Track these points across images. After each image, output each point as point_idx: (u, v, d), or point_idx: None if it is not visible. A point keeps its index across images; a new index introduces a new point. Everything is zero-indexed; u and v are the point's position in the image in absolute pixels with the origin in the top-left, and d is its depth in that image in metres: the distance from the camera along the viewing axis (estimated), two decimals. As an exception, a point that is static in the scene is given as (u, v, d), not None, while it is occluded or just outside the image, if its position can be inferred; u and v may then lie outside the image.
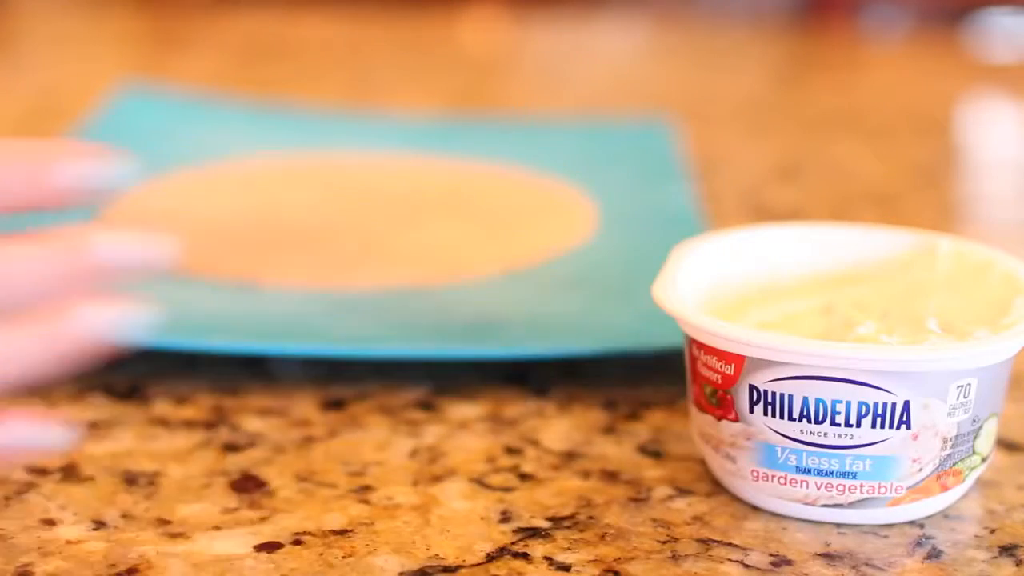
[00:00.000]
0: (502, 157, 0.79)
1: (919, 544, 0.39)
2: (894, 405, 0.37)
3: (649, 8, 1.58)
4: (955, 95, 1.07)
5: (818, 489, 0.39)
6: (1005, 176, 0.86)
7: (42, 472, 0.43)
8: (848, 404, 0.38)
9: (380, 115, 0.90)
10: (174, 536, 0.39)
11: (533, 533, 0.40)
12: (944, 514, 0.40)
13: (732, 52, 1.26)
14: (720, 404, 0.40)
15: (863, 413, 0.38)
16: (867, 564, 0.38)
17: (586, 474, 0.43)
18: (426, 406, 0.49)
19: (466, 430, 0.47)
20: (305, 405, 0.48)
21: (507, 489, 0.42)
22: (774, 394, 0.38)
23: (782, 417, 0.38)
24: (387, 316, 0.55)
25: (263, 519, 0.40)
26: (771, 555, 0.38)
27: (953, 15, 1.40)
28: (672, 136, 0.82)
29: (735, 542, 0.39)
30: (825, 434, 0.38)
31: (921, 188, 0.80)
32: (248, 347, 0.50)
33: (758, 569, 0.38)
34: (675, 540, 0.39)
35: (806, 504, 0.39)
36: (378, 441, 0.46)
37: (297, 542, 0.39)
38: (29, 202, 0.40)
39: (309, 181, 0.74)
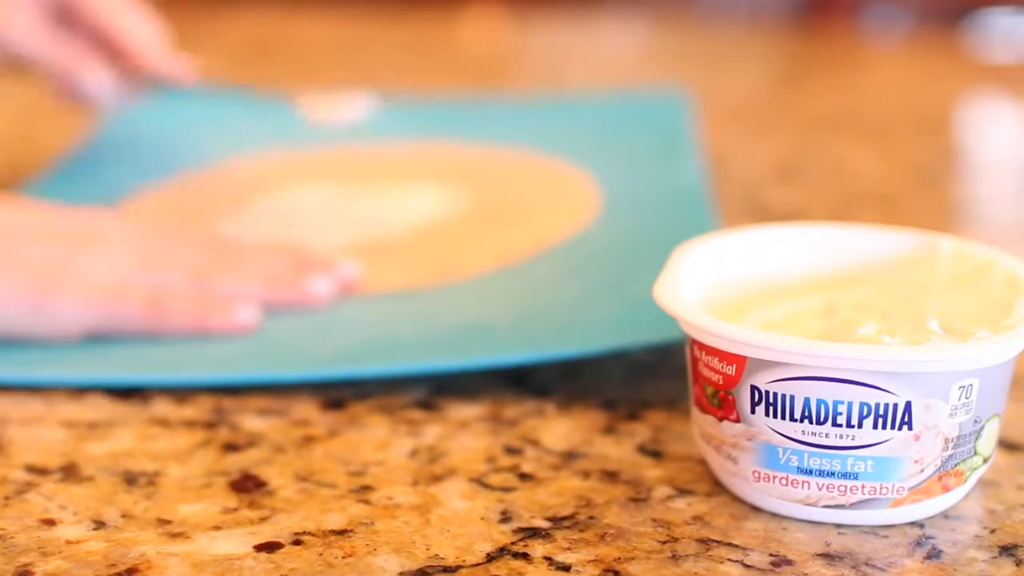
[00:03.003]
0: (509, 139, 0.79)
1: (919, 544, 0.39)
2: (895, 406, 0.37)
3: (649, 8, 1.58)
4: (955, 95, 1.08)
5: (819, 490, 0.39)
6: (1005, 176, 0.86)
7: (42, 472, 0.43)
8: (850, 405, 0.38)
9: (387, 102, 0.90)
10: (174, 536, 0.39)
11: (533, 533, 0.40)
12: (944, 514, 0.40)
13: (732, 52, 1.26)
14: (721, 405, 0.40)
15: (865, 414, 0.38)
16: (867, 564, 0.38)
17: (586, 474, 0.43)
18: (426, 406, 0.48)
19: (466, 430, 0.47)
20: (305, 405, 0.48)
21: (507, 489, 0.42)
22: (775, 395, 0.38)
23: (783, 418, 0.38)
24: (376, 328, 0.54)
25: (263, 519, 0.40)
26: (771, 555, 0.38)
27: (953, 15, 1.40)
28: (686, 109, 0.83)
29: (735, 542, 0.39)
30: (827, 435, 0.38)
31: (921, 188, 0.80)
32: (232, 378, 0.50)
33: (758, 569, 0.38)
34: (675, 540, 0.39)
35: (807, 505, 0.39)
36: (378, 441, 0.46)
37: (297, 542, 0.39)
38: (281, 296, 0.56)
39: (306, 176, 0.74)
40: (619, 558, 0.38)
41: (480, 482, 0.43)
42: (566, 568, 0.38)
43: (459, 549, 0.39)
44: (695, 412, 0.42)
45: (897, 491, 0.39)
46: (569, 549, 0.39)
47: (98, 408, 0.48)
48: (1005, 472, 0.43)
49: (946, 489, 0.39)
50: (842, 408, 0.38)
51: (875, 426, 0.38)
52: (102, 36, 0.73)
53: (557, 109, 0.88)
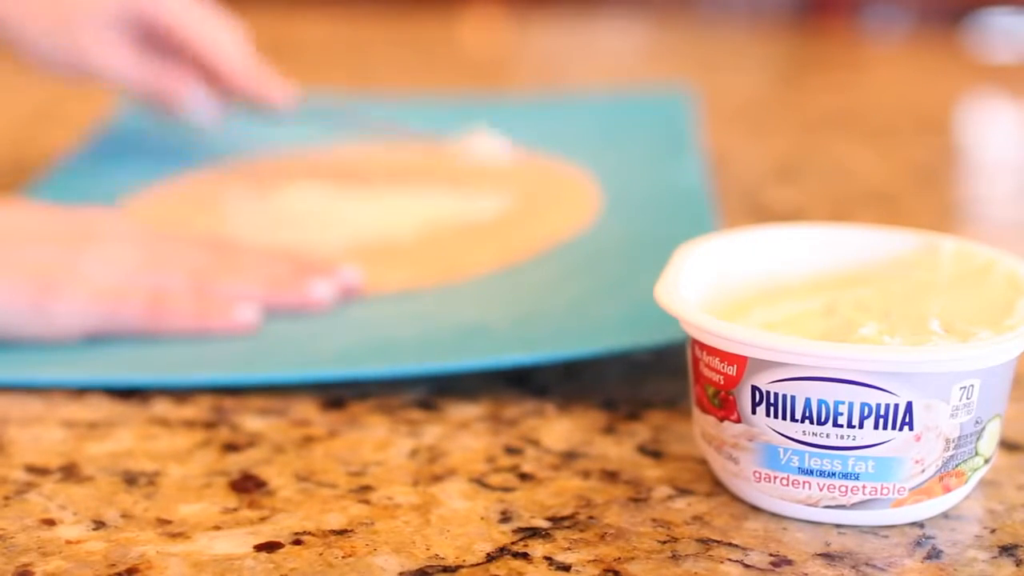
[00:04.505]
0: (510, 139, 0.79)
1: (919, 544, 0.39)
2: (896, 406, 0.37)
3: (649, 8, 1.58)
4: (955, 95, 1.07)
5: (820, 490, 0.39)
6: (1005, 176, 0.86)
7: (42, 472, 0.43)
8: (850, 405, 0.37)
9: (387, 103, 0.90)
10: (174, 536, 0.39)
11: (533, 533, 0.40)
12: (944, 514, 0.40)
13: (732, 52, 1.26)
14: (722, 405, 0.40)
15: (865, 414, 0.38)
16: (867, 564, 0.38)
17: (586, 474, 0.43)
18: (426, 406, 0.48)
19: (466, 430, 0.47)
20: (305, 405, 0.48)
21: (507, 489, 0.42)
22: (776, 395, 0.38)
23: (784, 418, 0.38)
24: (376, 328, 0.54)
25: (263, 519, 0.40)
26: (771, 555, 0.38)
27: (953, 15, 1.41)
28: (687, 110, 0.83)
29: (735, 542, 0.39)
30: (827, 435, 0.38)
31: (921, 188, 0.80)
32: (231, 378, 0.49)
33: (758, 569, 0.38)
34: (675, 540, 0.39)
35: (808, 505, 0.39)
36: (378, 441, 0.46)
37: (297, 542, 0.39)
38: (282, 299, 0.56)
39: (307, 178, 0.74)
40: (619, 558, 0.38)
41: (480, 482, 0.43)
42: (566, 568, 0.38)
43: (459, 549, 0.39)
44: (696, 412, 0.42)
45: (898, 491, 0.39)
46: (569, 549, 0.39)
47: (98, 408, 0.48)
48: (1005, 472, 0.43)
49: (947, 489, 0.39)
50: (843, 408, 0.38)
51: (876, 426, 0.38)
52: (196, 57, 0.73)
53: (558, 109, 0.88)
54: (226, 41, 0.74)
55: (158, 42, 0.73)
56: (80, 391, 0.49)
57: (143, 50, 0.73)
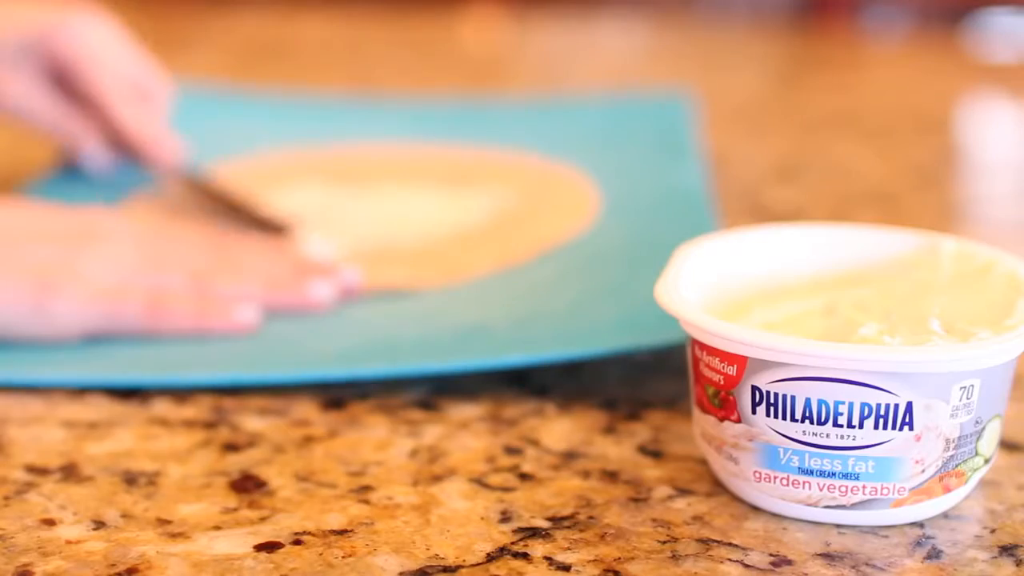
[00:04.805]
0: (509, 141, 0.79)
1: (919, 544, 0.39)
2: (896, 406, 0.37)
3: (649, 8, 1.58)
4: (955, 95, 1.07)
5: (820, 490, 0.39)
6: (1005, 176, 0.86)
7: (42, 472, 0.43)
8: (851, 405, 0.37)
9: (387, 103, 0.90)
10: (174, 536, 0.39)
11: (533, 533, 0.40)
12: (944, 514, 0.40)
13: (732, 52, 1.26)
14: (722, 405, 0.40)
15: (866, 414, 0.38)
16: (867, 564, 0.38)
17: (586, 474, 0.43)
18: (426, 406, 0.48)
19: (466, 430, 0.47)
20: (305, 405, 0.48)
21: (507, 489, 0.42)
22: (776, 395, 0.38)
23: (784, 418, 0.38)
24: (376, 329, 0.54)
25: (263, 519, 0.40)
26: (771, 555, 0.38)
27: (953, 15, 1.40)
28: (687, 112, 0.83)
29: (735, 542, 0.39)
30: (827, 435, 0.38)
31: (921, 188, 0.80)
32: (233, 378, 0.49)
33: (758, 569, 0.38)
34: (675, 540, 0.39)
35: (808, 505, 0.39)
36: (378, 441, 0.46)
37: (297, 542, 0.39)
38: (282, 299, 0.56)
39: (308, 177, 0.74)
40: (619, 558, 0.38)
41: (480, 482, 0.43)
42: (566, 568, 0.38)
43: (459, 549, 0.39)
44: (696, 412, 0.42)
45: (898, 491, 0.39)
46: (569, 549, 0.39)
47: (98, 408, 0.48)
48: (1005, 472, 0.43)
49: (947, 489, 0.39)
50: (843, 408, 0.38)
51: (876, 426, 0.38)
52: (98, 109, 0.71)
53: (558, 111, 0.88)
54: (126, 88, 0.71)
55: (69, 84, 0.70)
56: (80, 391, 0.49)
57: (52, 86, 0.70)
